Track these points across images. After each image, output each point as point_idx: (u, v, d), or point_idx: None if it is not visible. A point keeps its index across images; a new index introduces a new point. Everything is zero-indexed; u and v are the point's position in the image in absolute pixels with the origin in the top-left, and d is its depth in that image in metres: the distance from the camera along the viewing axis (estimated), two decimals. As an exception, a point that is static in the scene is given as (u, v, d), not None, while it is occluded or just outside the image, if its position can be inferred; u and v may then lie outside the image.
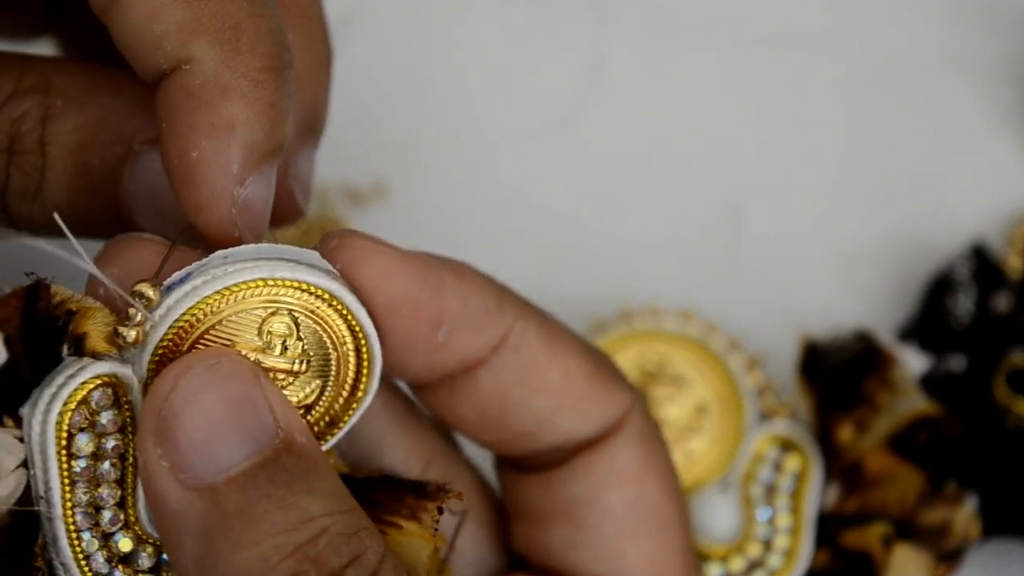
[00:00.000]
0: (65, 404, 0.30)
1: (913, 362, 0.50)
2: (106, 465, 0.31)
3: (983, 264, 0.54)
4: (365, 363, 0.33)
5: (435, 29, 0.62)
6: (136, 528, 0.32)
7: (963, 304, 0.54)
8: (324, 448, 0.33)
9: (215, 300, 0.31)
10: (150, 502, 0.31)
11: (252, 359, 0.32)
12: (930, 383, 0.51)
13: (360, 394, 0.33)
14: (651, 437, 0.37)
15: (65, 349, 0.31)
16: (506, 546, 0.39)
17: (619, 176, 0.60)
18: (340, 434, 0.34)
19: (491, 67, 0.61)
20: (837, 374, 0.49)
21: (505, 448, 0.37)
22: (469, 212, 0.58)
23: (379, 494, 0.33)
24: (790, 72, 0.62)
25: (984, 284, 0.54)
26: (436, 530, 0.33)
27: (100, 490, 0.31)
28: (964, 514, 0.48)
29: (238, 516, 0.29)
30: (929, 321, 0.54)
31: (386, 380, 0.35)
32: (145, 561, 0.32)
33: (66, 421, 0.30)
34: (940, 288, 0.54)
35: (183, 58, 0.32)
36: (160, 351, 0.31)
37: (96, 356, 0.31)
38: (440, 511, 0.33)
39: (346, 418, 0.34)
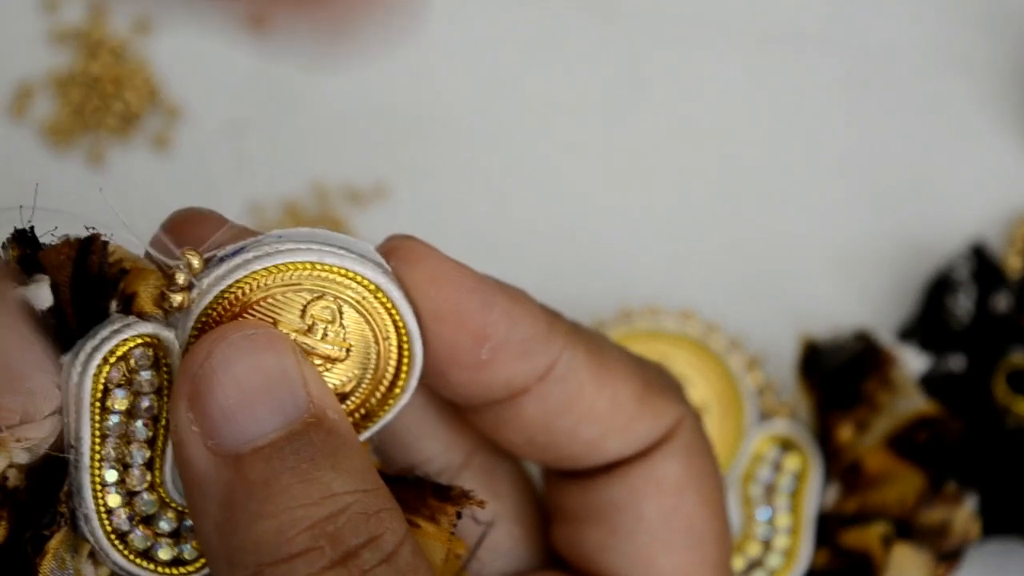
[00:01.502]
0: (105, 358, 0.30)
1: (913, 362, 0.50)
2: (139, 424, 0.32)
3: (983, 264, 0.54)
4: (405, 361, 0.33)
5: (436, 29, 0.62)
6: (160, 491, 0.32)
7: (963, 304, 0.54)
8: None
9: (263, 276, 0.31)
10: (178, 465, 0.31)
11: (292, 339, 0.32)
12: (930, 383, 0.51)
13: (398, 391, 0.33)
14: (698, 451, 0.37)
15: (114, 305, 0.31)
16: (546, 544, 0.39)
17: (619, 175, 0.60)
18: (374, 428, 0.34)
19: (491, 67, 0.61)
20: (837, 374, 0.49)
21: (552, 466, 0.37)
22: (469, 212, 0.58)
23: (404, 492, 0.33)
24: (790, 72, 0.62)
25: (984, 284, 0.54)
26: (452, 534, 0.33)
27: (130, 448, 0.31)
28: (964, 514, 0.48)
29: (261, 486, 0.30)
30: (929, 321, 0.54)
31: (427, 388, 0.35)
32: (166, 524, 0.32)
33: (104, 374, 0.31)
34: (940, 288, 0.54)
35: None
36: (203, 319, 0.32)
37: (143, 316, 0.31)
38: (459, 516, 0.33)
39: (381, 414, 0.34)
